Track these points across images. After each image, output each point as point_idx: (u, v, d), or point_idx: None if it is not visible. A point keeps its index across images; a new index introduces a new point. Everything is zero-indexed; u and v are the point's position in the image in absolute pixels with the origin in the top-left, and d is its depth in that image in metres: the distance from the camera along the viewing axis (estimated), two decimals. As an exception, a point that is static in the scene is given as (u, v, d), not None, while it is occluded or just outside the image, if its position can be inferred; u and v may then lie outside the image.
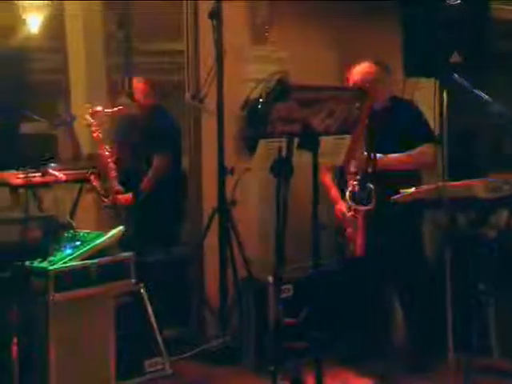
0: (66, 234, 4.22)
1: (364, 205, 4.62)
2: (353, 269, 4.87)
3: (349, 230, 4.72)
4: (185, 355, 5.01)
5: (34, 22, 6.80)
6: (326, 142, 3.64)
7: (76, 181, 5.63)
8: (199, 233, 5.28)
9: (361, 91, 3.68)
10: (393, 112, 4.87)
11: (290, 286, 5.02)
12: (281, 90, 3.38)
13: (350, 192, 4.64)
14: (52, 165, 5.25)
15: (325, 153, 3.66)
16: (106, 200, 5.34)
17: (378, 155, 4.66)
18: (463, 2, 5.27)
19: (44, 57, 7.02)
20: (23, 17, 6.86)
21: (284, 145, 3.34)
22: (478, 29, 5.25)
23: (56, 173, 5.08)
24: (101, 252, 4.15)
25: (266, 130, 3.34)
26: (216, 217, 5.02)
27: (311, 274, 5.11)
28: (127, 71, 5.12)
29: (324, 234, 5.28)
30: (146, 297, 4.76)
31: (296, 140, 3.53)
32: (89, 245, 4.12)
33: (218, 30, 4.81)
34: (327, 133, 3.62)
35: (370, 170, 4.64)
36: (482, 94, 4.29)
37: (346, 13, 5.74)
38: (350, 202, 4.65)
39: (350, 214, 4.70)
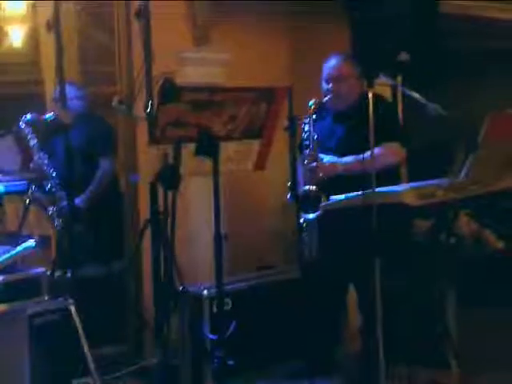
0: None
1: (311, 212, 4.36)
2: (309, 275, 4.59)
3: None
4: (118, 374, 4.77)
5: (15, 33, 6.71)
6: (230, 147, 3.38)
7: (20, 192, 5.50)
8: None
9: (267, 91, 3.39)
10: (361, 111, 4.57)
11: (228, 300, 4.76)
12: (167, 91, 3.11)
13: (297, 199, 4.37)
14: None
15: (231, 159, 3.40)
16: (50, 210, 5.15)
17: (329, 159, 4.45)
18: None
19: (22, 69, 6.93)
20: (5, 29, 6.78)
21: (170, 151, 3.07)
22: (425, 26, 5.04)
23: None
24: (8, 268, 3.90)
25: (155, 134, 3.08)
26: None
27: (251, 286, 4.95)
28: (59, 78, 4.88)
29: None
30: (75, 314, 4.50)
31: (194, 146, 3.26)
32: (-6, 261, 3.87)
33: (145, 30, 4.53)
34: (230, 138, 3.35)
35: (320, 175, 4.42)
36: (415, 95, 4.05)
37: (294, 11, 5.48)
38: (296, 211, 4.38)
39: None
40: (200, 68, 5.27)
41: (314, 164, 4.42)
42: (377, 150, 4.22)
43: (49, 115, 5.15)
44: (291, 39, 5.71)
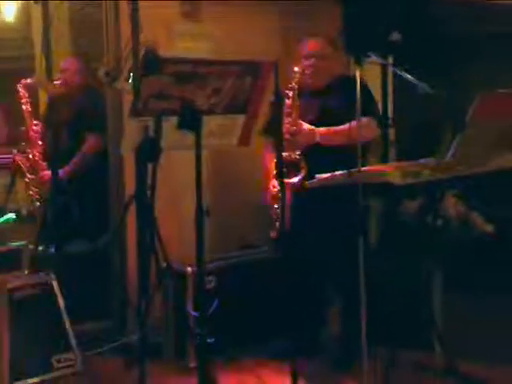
0: None
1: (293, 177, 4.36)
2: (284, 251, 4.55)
3: (276, 207, 4.46)
4: (99, 350, 4.72)
5: (8, 10, 6.68)
6: (213, 121, 3.33)
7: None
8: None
9: (252, 65, 3.33)
10: (337, 89, 4.57)
11: (212, 278, 4.72)
12: (149, 62, 3.05)
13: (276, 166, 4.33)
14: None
15: (214, 133, 3.35)
16: (29, 176, 5.12)
17: (310, 127, 4.45)
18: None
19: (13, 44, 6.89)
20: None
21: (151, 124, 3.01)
22: (418, 8, 5.02)
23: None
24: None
25: (136, 106, 3.02)
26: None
27: (235, 264, 4.91)
28: (44, 48, 4.84)
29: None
30: (56, 289, 4.46)
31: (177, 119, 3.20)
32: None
33: (133, 4, 4.46)
34: (213, 112, 3.30)
35: (300, 141, 4.43)
36: (406, 75, 3.99)
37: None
38: (275, 175, 4.37)
39: (275, 189, 4.44)
40: (188, 42, 5.19)
41: (294, 128, 4.40)
42: (355, 122, 4.19)
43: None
44: (281, 15, 5.62)
